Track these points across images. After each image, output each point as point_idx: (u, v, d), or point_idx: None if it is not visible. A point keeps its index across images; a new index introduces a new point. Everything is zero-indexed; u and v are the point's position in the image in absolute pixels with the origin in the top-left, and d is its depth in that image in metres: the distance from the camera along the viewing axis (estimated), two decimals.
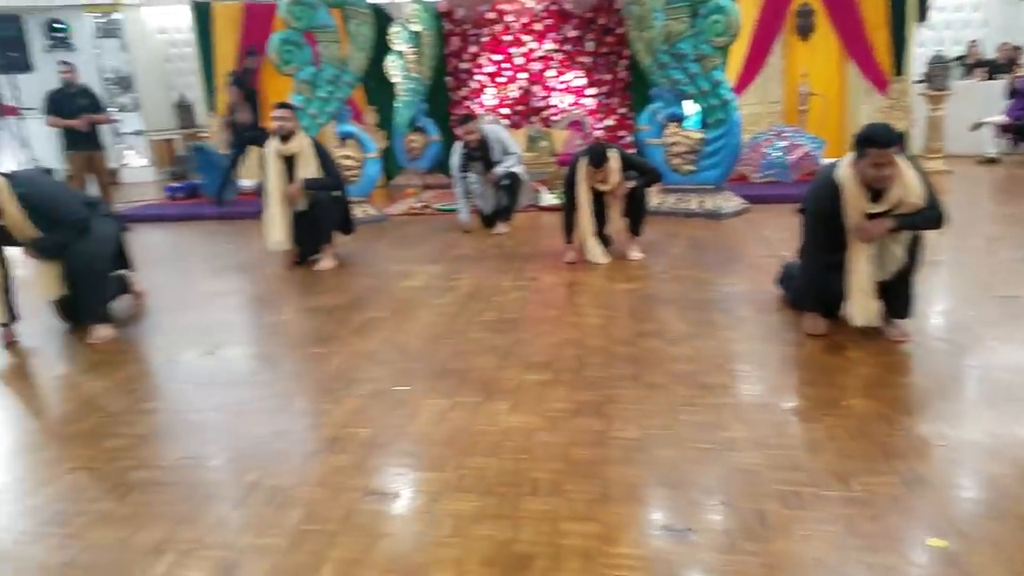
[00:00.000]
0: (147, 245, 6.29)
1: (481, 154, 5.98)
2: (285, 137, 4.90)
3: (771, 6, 8.16)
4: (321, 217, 5.01)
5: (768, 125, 8.06)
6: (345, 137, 6.80)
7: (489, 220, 6.17)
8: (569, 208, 4.70)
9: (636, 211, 4.78)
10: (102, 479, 2.27)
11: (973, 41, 10.03)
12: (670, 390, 2.68)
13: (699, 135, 6.24)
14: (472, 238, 5.87)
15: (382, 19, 7.89)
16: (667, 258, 4.78)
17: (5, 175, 3.58)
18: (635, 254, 4.78)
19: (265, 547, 1.86)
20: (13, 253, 3.73)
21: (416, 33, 8.58)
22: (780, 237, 5.06)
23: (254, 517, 2.01)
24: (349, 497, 2.08)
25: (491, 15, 9.06)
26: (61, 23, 11.28)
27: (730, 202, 6.27)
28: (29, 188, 3.59)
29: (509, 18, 9.05)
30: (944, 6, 10.49)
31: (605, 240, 4.83)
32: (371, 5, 6.93)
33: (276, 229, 4.96)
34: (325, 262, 5.05)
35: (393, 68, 8.64)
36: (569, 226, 4.73)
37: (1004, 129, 8.38)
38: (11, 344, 3.72)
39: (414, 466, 2.25)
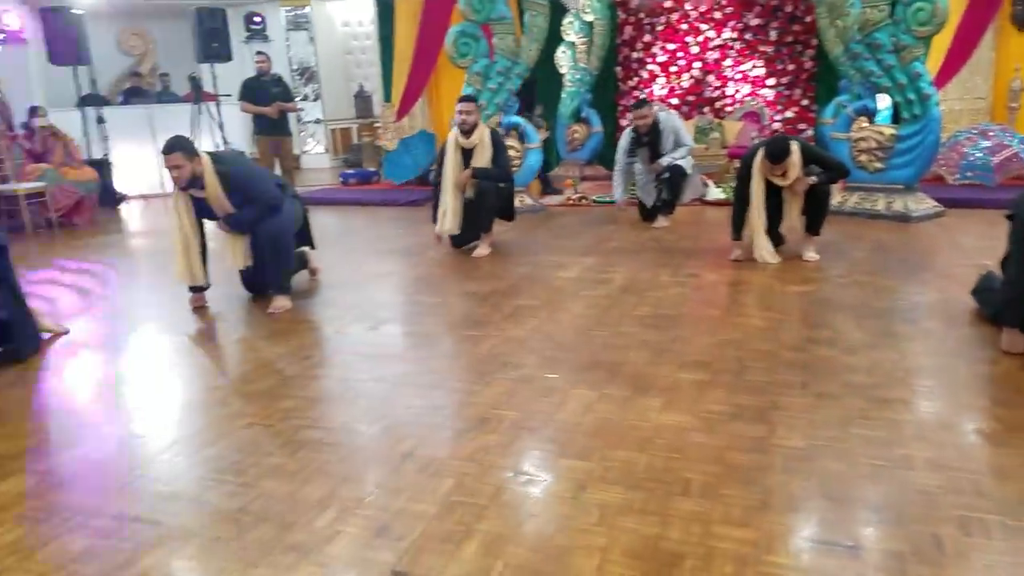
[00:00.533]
0: (321, 226, 6.69)
1: (650, 139, 5.82)
2: (467, 131, 5.01)
3: None
4: (484, 205, 5.11)
5: (971, 123, 7.28)
6: (510, 128, 6.90)
7: (649, 213, 6.02)
8: (739, 202, 4.48)
9: (816, 209, 4.44)
10: (275, 435, 2.43)
11: None
12: (842, 401, 2.48)
13: (891, 131, 5.74)
14: (629, 231, 5.77)
15: (557, 10, 7.89)
16: (847, 261, 4.44)
17: (209, 153, 3.93)
18: (810, 255, 4.48)
19: (417, 512, 1.92)
20: (208, 226, 4.10)
21: (589, 23, 8.52)
22: (979, 245, 4.56)
23: (408, 483, 2.07)
24: (497, 475, 2.09)
25: (668, 3, 8.83)
26: (259, 15, 12.31)
27: (922, 204, 5.74)
28: (230, 166, 3.91)
29: (687, 6, 8.78)
30: None
31: (777, 238, 4.56)
32: None
33: (448, 217, 5.08)
34: (482, 249, 5.15)
35: (563, 59, 8.63)
36: (738, 221, 4.50)
37: None
38: (201, 308, 4.09)
39: (560, 453, 2.23)
